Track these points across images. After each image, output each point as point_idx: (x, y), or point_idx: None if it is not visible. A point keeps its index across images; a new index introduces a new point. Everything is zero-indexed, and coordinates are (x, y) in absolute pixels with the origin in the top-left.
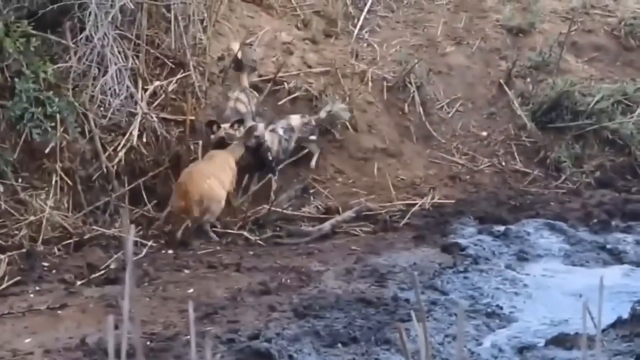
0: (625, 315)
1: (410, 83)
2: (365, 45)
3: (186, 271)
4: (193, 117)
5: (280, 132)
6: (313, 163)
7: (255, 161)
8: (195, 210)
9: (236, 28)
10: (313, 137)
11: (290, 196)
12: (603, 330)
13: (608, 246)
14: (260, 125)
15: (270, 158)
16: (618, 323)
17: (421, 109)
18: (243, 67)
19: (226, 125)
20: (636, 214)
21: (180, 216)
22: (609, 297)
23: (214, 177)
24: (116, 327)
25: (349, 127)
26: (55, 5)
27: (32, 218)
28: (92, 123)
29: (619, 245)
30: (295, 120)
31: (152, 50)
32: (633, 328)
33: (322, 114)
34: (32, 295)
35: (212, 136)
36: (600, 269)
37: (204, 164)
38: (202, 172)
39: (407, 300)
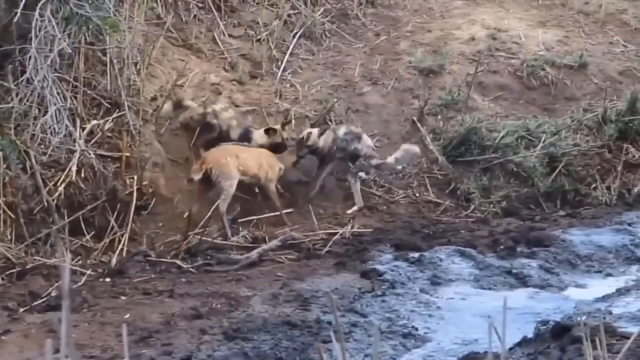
0: (530, 335)
1: (330, 120)
2: (288, 85)
3: (123, 298)
4: (128, 154)
5: (341, 132)
6: (351, 211)
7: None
8: (197, 173)
9: (168, 70)
10: (362, 174)
11: (219, 226)
12: (510, 349)
13: (514, 271)
14: (314, 131)
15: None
16: (523, 342)
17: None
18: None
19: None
20: (540, 241)
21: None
22: (515, 318)
23: (237, 158)
24: (56, 351)
25: None
26: None
27: None
28: (33, 160)
29: (524, 269)
30: (368, 139)
31: (89, 92)
32: (537, 347)
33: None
34: None
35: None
36: (507, 292)
37: (240, 147)
38: (227, 150)
39: (329, 323)
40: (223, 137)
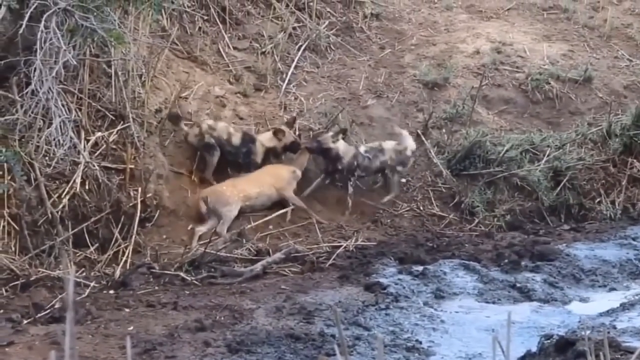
0: (534, 349)
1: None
2: (293, 98)
3: (126, 310)
4: (132, 166)
5: (362, 149)
6: (386, 198)
7: (325, 166)
8: (202, 206)
9: (172, 82)
10: (400, 168)
11: (225, 240)
12: None
13: (518, 284)
14: (327, 134)
15: (340, 167)
16: (527, 356)
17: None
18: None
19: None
20: (544, 255)
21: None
22: (519, 332)
23: (234, 187)
24: None
25: None
26: (2, 62)
27: None
28: (37, 171)
29: (528, 283)
30: (389, 144)
31: (93, 104)
32: None
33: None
34: None
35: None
36: (511, 306)
37: (238, 178)
38: (225, 182)
39: (332, 336)
40: (226, 148)
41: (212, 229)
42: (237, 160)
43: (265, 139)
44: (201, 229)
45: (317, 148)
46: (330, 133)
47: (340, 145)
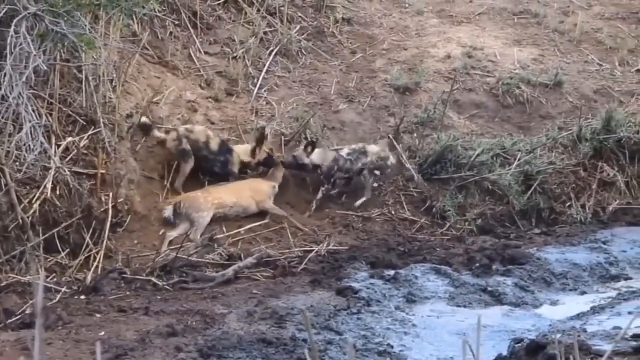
0: (505, 352)
1: (306, 138)
2: (264, 103)
3: (97, 315)
4: (103, 171)
5: (344, 152)
6: (359, 202)
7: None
8: (166, 211)
9: (143, 87)
10: (377, 172)
11: (197, 245)
12: None
13: (489, 288)
14: (300, 149)
15: (320, 172)
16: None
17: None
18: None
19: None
20: (514, 259)
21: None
22: (490, 336)
23: (209, 192)
24: None
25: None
26: None
27: None
28: (7, 177)
29: (499, 287)
30: (373, 148)
31: (64, 108)
32: None
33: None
34: None
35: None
36: (482, 309)
37: (216, 186)
38: (200, 190)
39: (304, 340)
40: (202, 153)
41: (183, 234)
42: (213, 168)
43: (241, 151)
44: (172, 234)
45: (293, 164)
46: (301, 147)
47: (315, 156)
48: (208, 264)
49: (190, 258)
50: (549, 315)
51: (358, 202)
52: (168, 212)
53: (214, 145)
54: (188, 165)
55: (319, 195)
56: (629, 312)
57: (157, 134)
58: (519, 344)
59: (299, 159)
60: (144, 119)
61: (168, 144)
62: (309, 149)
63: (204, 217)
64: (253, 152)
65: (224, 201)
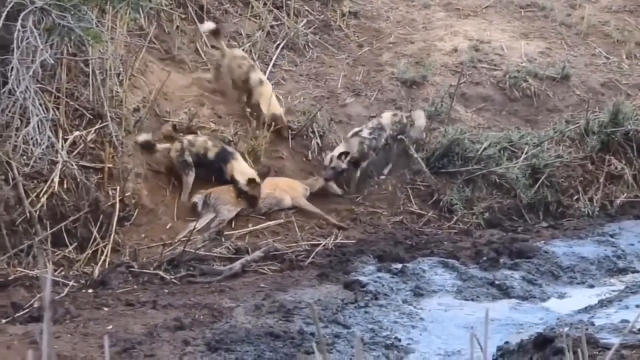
0: (513, 346)
1: (313, 132)
2: None
3: (105, 309)
4: (111, 165)
5: (365, 134)
6: (386, 170)
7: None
8: (198, 203)
9: (150, 81)
10: (401, 136)
11: (204, 238)
12: None
13: (497, 282)
14: (334, 156)
15: (353, 160)
16: (506, 353)
17: (324, 156)
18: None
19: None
20: (522, 252)
21: None
22: (497, 329)
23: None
24: None
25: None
26: None
27: None
28: (15, 171)
29: (506, 281)
30: (386, 118)
31: (71, 103)
32: (520, 357)
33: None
34: None
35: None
36: (489, 303)
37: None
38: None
39: (312, 334)
40: (202, 161)
41: (204, 224)
42: (211, 173)
43: (237, 169)
44: (194, 225)
45: (333, 175)
46: (335, 153)
47: (341, 146)
48: (216, 258)
49: (197, 252)
50: (557, 308)
51: (385, 170)
52: (199, 200)
53: (212, 155)
54: (190, 178)
55: (357, 174)
56: (637, 305)
57: (160, 147)
58: (527, 338)
59: (338, 168)
60: (143, 137)
61: (172, 153)
62: (343, 157)
63: (229, 210)
64: (249, 182)
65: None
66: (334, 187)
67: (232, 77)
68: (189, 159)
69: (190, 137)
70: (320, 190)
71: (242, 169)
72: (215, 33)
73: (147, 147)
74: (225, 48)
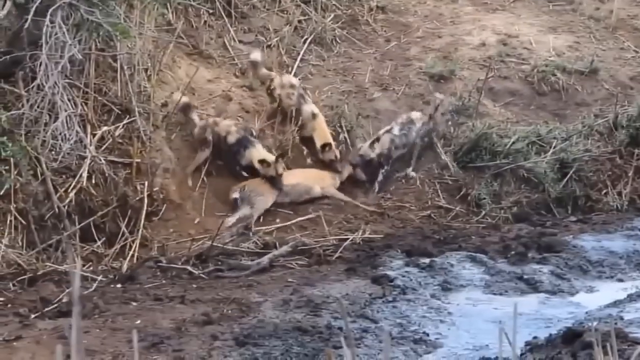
0: (541, 340)
1: (340, 126)
2: None
3: (134, 304)
4: (139, 160)
5: (396, 131)
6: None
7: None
8: (235, 194)
9: (178, 76)
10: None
11: (232, 233)
12: (521, 355)
13: (525, 276)
14: (365, 146)
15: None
16: (535, 347)
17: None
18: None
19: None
20: (550, 246)
21: None
22: (526, 324)
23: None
24: (67, 357)
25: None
26: (8, 57)
27: None
28: (44, 166)
29: (535, 275)
30: (416, 114)
31: (99, 98)
32: (548, 352)
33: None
34: None
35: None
36: (518, 297)
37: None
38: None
39: (340, 329)
40: (221, 145)
41: (242, 219)
42: (228, 160)
43: (255, 155)
44: (230, 220)
45: (361, 162)
46: (367, 143)
47: (377, 148)
48: (243, 253)
49: (225, 247)
50: (585, 303)
51: (409, 170)
52: (236, 194)
53: (232, 139)
54: (202, 154)
55: (380, 177)
56: None
57: (194, 117)
58: (556, 332)
59: (365, 156)
60: (185, 99)
61: (196, 129)
62: (375, 144)
63: (265, 202)
64: (261, 162)
65: (289, 182)
66: (360, 174)
67: (280, 105)
68: (210, 137)
69: (216, 118)
70: (348, 178)
71: (262, 156)
72: (254, 65)
73: (184, 109)
74: (272, 74)
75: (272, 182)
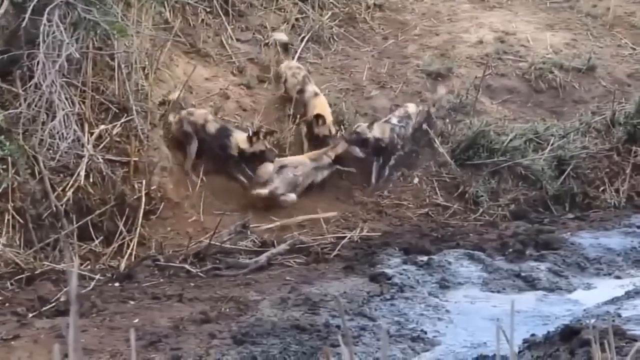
0: (539, 338)
1: (338, 124)
2: None
3: (131, 302)
4: (136, 158)
5: (394, 121)
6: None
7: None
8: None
9: (176, 75)
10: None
11: (230, 231)
12: (519, 352)
13: (523, 274)
14: (362, 125)
15: (384, 146)
16: (532, 345)
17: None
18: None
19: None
20: (548, 244)
21: None
22: (524, 321)
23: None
24: (65, 356)
25: None
26: (5, 55)
27: None
28: (41, 165)
29: (532, 272)
30: (412, 107)
31: (97, 96)
32: (546, 349)
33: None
34: None
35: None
36: (515, 295)
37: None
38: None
39: (338, 327)
40: (201, 135)
41: (272, 192)
42: (213, 150)
43: (240, 139)
44: (263, 191)
45: (356, 139)
46: (366, 124)
47: (375, 131)
48: (241, 251)
49: (223, 245)
50: (583, 300)
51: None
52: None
53: (211, 128)
54: (192, 147)
55: (386, 172)
56: None
57: (169, 116)
58: (553, 329)
59: (362, 134)
60: (178, 100)
61: (172, 127)
62: (373, 125)
63: (297, 176)
64: (250, 140)
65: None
66: (356, 150)
67: (285, 86)
68: (189, 129)
69: (189, 109)
70: (343, 154)
71: (243, 139)
72: (284, 46)
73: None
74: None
75: (263, 156)
